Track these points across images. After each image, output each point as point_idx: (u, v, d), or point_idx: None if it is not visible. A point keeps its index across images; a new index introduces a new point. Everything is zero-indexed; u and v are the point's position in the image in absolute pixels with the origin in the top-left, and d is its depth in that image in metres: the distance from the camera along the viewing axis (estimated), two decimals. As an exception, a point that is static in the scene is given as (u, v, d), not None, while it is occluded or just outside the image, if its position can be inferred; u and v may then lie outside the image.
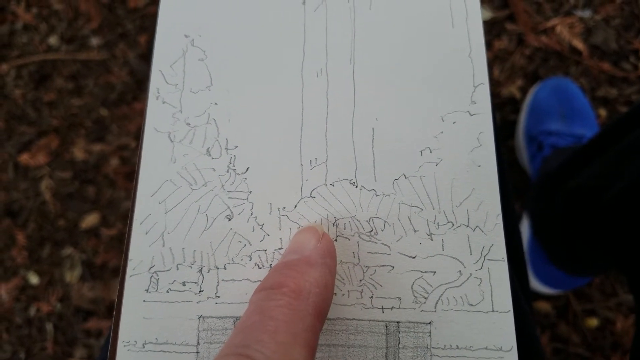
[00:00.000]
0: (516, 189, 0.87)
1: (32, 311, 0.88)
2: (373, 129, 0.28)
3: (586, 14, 0.91)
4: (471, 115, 0.27)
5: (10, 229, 0.91)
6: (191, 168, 0.27)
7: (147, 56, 0.94)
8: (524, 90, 0.90)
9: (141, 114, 0.90)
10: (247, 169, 0.27)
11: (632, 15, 0.90)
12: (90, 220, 0.90)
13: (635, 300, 0.50)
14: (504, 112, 0.90)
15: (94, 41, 0.96)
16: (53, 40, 0.97)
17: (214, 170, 0.27)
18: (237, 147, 0.27)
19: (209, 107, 0.28)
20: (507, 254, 0.25)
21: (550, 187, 0.69)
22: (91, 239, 0.90)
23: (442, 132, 0.27)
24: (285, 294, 0.20)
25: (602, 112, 0.88)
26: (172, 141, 0.27)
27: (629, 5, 0.90)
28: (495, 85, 0.90)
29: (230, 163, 0.27)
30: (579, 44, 0.90)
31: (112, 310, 0.85)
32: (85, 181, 0.92)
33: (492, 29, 0.92)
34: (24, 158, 0.93)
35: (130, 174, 0.91)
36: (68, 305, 0.88)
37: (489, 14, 0.92)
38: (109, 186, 0.91)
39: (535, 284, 0.81)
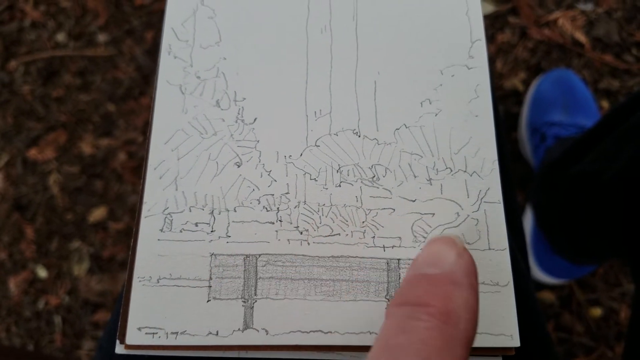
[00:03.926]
0: (520, 180, 0.87)
1: (41, 304, 0.89)
2: (375, 82, 0.29)
3: (588, 6, 0.91)
4: (469, 68, 0.29)
5: (18, 223, 0.92)
6: (201, 118, 0.28)
7: (153, 52, 0.95)
8: (526, 83, 0.90)
9: (148, 109, 0.91)
10: (255, 120, 0.28)
11: (634, 8, 0.91)
12: (98, 214, 0.91)
13: (635, 284, 0.50)
14: (507, 104, 0.90)
15: (101, 37, 0.97)
16: (61, 36, 0.98)
17: (223, 120, 0.28)
18: (245, 99, 0.29)
19: (218, 61, 0.29)
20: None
21: (553, 176, 0.69)
22: (99, 232, 0.91)
23: (441, 85, 0.29)
24: (432, 316, 0.18)
25: (605, 104, 0.89)
26: (183, 93, 0.28)
27: (631, -3, 0.91)
28: (498, 78, 0.91)
29: (238, 114, 0.28)
30: (581, 37, 0.91)
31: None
32: (93, 175, 0.93)
33: (495, 23, 0.93)
34: (33, 153, 0.94)
35: (137, 169, 0.92)
36: (76, 298, 0.89)
37: (491, 8, 0.92)
38: (116, 180, 0.92)
39: (539, 274, 0.81)
